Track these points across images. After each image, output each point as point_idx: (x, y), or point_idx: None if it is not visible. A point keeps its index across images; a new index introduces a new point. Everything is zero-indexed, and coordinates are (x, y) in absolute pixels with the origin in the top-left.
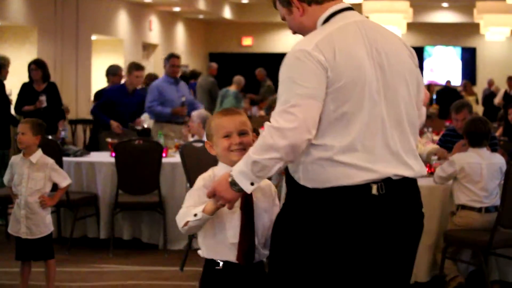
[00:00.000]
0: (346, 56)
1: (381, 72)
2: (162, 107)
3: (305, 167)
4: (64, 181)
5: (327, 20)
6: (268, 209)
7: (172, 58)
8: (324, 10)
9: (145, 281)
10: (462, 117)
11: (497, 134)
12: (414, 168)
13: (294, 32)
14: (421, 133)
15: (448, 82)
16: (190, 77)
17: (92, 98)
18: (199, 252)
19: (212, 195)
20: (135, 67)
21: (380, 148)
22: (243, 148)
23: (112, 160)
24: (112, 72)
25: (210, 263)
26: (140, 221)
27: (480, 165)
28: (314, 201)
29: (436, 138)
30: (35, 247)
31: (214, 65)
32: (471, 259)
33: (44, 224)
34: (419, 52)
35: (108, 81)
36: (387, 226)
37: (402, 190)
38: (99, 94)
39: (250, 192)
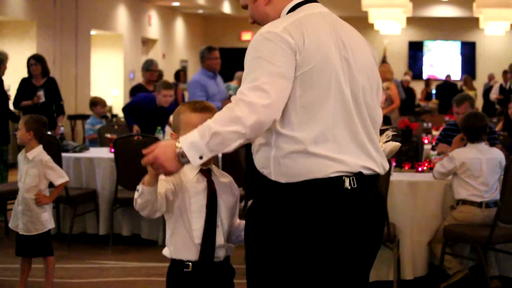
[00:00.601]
0: (314, 42)
1: (347, 64)
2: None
3: (276, 162)
4: (59, 179)
5: (292, 10)
6: (232, 206)
7: (213, 51)
8: (288, 2)
9: (144, 277)
10: (463, 110)
11: (497, 128)
12: (377, 161)
13: (253, 22)
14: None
15: (448, 76)
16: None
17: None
18: (165, 252)
19: (151, 163)
20: (163, 85)
21: (348, 139)
22: None
23: (111, 156)
24: (146, 67)
25: (178, 264)
26: (139, 217)
27: (479, 160)
28: (287, 196)
29: (436, 133)
30: (32, 244)
31: None
32: (471, 254)
33: (40, 221)
34: (419, 46)
35: (143, 76)
36: (357, 221)
37: (371, 184)
38: (135, 89)
39: (197, 165)
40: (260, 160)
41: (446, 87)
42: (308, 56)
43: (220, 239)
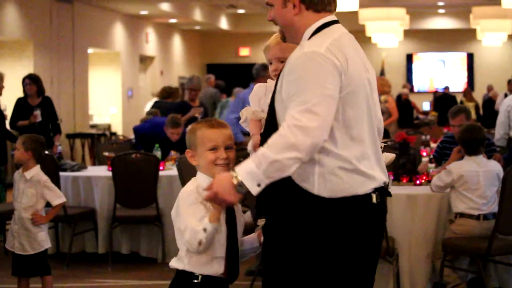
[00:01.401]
0: (354, 64)
1: (369, 85)
2: None
3: (321, 177)
4: (56, 199)
5: (319, 29)
6: (241, 221)
7: (268, 70)
8: (318, 19)
9: None
10: (458, 122)
11: None
12: (386, 174)
13: (271, 20)
14: None
15: (447, 88)
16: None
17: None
18: (173, 264)
19: (212, 199)
20: (170, 124)
21: (373, 155)
22: (228, 163)
23: (109, 174)
24: (187, 85)
25: (186, 276)
26: (138, 235)
27: (477, 172)
28: (329, 210)
29: (434, 145)
30: (29, 263)
31: (212, 76)
32: (470, 266)
33: (36, 241)
34: (416, 59)
35: (187, 93)
36: (378, 232)
37: (384, 197)
38: (181, 106)
39: (256, 194)
40: (301, 174)
41: (445, 99)
42: (351, 78)
43: None
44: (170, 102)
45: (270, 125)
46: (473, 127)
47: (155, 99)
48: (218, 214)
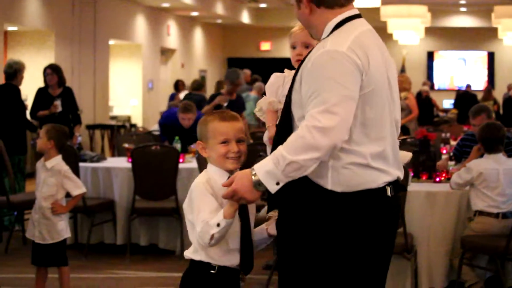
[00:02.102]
0: (375, 64)
1: (389, 83)
2: None
3: (335, 172)
4: (76, 189)
5: (339, 25)
6: (253, 213)
7: None
8: (334, 15)
9: (162, 287)
10: (479, 121)
11: None
12: (402, 170)
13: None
14: None
15: (468, 86)
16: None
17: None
18: (189, 255)
19: (231, 196)
20: (181, 109)
21: (392, 152)
22: (239, 156)
23: (129, 165)
24: (232, 79)
25: (203, 266)
26: (157, 227)
27: (497, 170)
28: (343, 205)
29: (454, 143)
30: (48, 253)
31: (248, 71)
32: (488, 265)
33: (55, 230)
34: (437, 56)
35: (226, 85)
36: (392, 225)
37: (399, 191)
38: (213, 97)
39: (274, 193)
40: (315, 170)
41: (466, 97)
42: (371, 77)
43: None
44: (201, 94)
45: (285, 116)
46: (493, 125)
47: (186, 91)
48: (234, 210)
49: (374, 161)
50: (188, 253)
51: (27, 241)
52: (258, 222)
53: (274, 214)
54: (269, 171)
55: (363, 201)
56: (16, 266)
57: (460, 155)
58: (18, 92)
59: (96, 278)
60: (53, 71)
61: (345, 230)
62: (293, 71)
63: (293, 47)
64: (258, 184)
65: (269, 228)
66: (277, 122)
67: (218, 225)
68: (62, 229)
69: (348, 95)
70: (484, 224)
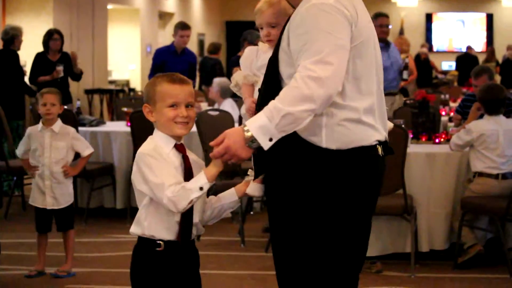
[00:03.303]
0: (363, 14)
1: (374, 41)
2: None
3: (329, 129)
4: (86, 150)
5: None
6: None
7: (380, 17)
8: None
9: None
10: (481, 82)
11: None
12: (387, 130)
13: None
14: None
15: (469, 47)
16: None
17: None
18: (132, 230)
19: (222, 154)
20: (179, 26)
21: (379, 109)
22: (187, 122)
23: (128, 129)
24: (250, 39)
25: (147, 243)
26: None
27: (497, 131)
28: (338, 162)
29: (454, 104)
30: (61, 217)
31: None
32: (489, 226)
33: (69, 193)
34: (435, 18)
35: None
36: (379, 186)
37: (388, 153)
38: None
39: (267, 149)
40: (308, 128)
41: (467, 59)
42: (360, 29)
43: (195, 217)
44: (217, 58)
45: (271, 77)
46: (494, 87)
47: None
48: (217, 172)
49: (366, 116)
50: (132, 228)
51: (27, 206)
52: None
53: (251, 175)
54: (263, 125)
55: (356, 158)
56: (16, 231)
57: (462, 116)
58: (16, 57)
59: (96, 243)
60: (60, 37)
61: (338, 187)
62: (267, 44)
63: (261, 28)
64: (251, 141)
65: (249, 189)
66: (259, 88)
67: (201, 188)
68: (72, 191)
69: (341, 44)
70: (484, 185)
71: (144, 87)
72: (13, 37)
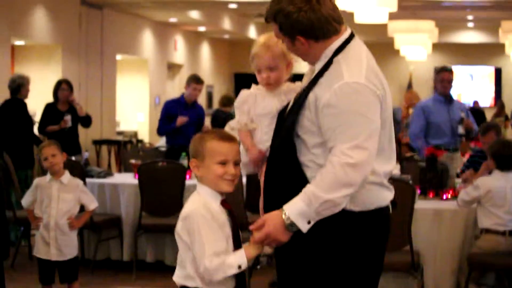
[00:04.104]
0: (387, 88)
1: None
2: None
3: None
4: (92, 203)
5: (339, 49)
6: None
7: (442, 72)
8: (332, 42)
9: None
10: (489, 139)
11: None
12: None
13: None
14: None
15: (476, 102)
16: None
17: (139, 118)
18: (181, 281)
19: (263, 240)
20: (194, 79)
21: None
22: (233, 179)
23: (136, 181)
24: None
25: None
26: (163, 244)
27: (505, 188)
28: (359, 223)
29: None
30: (63, 269)
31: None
32: (496, 283)
33: (74, 245)
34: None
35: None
36: (386, 242)
37: (394, 208)
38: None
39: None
40: None
41: (474, 114)
42: (386, 104)
43: None
44: (230, 112)
45: (285, 140)
46: (506, 142)
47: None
48: (257, 253)
49: (386, 179)
50: (179, 279)
51: (33, 257)
52: None
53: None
54: (302, 212)
55: (375, 219)
56: (22, 281)
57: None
58: (24, 106)
59: None
60: (69, 87)
61: (356, 247)
62: (262, 87)
63: (258, 70)
64: (290, 225)
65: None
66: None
67: (240, 267)
68: (77, 244)
69: (375, 127)
70: (491, 242)
71: (191, 142)
72: (20, 86)
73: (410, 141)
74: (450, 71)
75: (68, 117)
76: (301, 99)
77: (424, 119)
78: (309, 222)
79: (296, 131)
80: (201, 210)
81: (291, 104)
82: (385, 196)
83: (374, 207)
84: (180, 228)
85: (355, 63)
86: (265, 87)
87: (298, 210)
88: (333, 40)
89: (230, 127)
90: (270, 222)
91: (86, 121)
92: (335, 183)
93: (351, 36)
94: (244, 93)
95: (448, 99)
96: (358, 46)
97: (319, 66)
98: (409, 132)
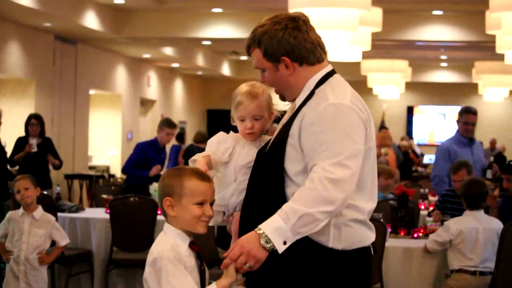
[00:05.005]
0: (371, 117)
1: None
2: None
3: (337, 228)
4: (63, 240)
5: (322, 81)
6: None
7: (466, 114)
8: (314, 72)
9: None
10: (460, 178)
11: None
12: None
13: (264, 82)
14: None
15: None
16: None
17: (111, 153)
18: None
19: (237, 256)
20: (167, 124)
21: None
22: (208, 221)
23: (107, 216)
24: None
25: None
26: (134, 278)
27: (476, 230)
28: (341, 262)
29: (433, 198)
30: None
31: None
32: None
33: (43, 279)
34: (417, 111)
35: None
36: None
37: (375, 251)
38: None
39: (281, 252)
40: None
41: None
42: (371, 133)
43: None
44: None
45: (272, 175)
46: (476, 181)
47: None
48: (229, 284)
49: (368, 217)
50: None
51: None
52: None
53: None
54: (278, 227)
55: (358, 258)
56: None
57: (441, 211)
58: None
59: None
60: (38, 122)
61: (339, 286)
62: (241, 137)
63: (241, 120)
64: (266, 242)
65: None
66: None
67: None
68: (46, 278)
69: (358, 149)
70: (462, 281)
71: (165, 179)
72: None
73: (433, 184)
74: (474, 113)
75: (33, 141)
76: (283, 131)
77: (449, 162)
78: (284, 243)
79: (281, 162)
80: (170, 253)
81: (272, 139)
82: (368, 236)
83: (357, 247)
84: (148, 273)
85: (340, 89)
86: (247, 136)
87: (274, 225)
88: (316, 69)
89: (192, 160)
90: (244, 239)
91: (58, 167)
92: (314, 197)
93: (333, 71)
94: (224, 134)
95: (470, 141)
96: (341, 79)
97: (301, 98)
98: (432, 175)
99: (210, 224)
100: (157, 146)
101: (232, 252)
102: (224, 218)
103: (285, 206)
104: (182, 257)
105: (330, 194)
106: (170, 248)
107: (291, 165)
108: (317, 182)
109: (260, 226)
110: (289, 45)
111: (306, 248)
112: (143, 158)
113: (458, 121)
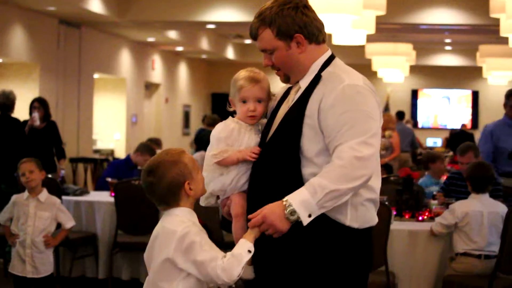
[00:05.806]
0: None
1: None
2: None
3: (353, 208)
4: (68, 222)
5: (327, 62)
6: None
7: None
8: (320, 53)
9: None
10: (467, 160)
11: None
12: None
13: (267, 66)
14: None
15: (464, 125)
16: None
17: (116, 137)
18: None
19: (259, 223)
20: (147, 151)
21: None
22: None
23: (112, 199)
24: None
25: None
26: (139, 262)
27: (481, 213)
28: (357, 240)
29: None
30: (38, 286)
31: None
32: None
33: (49, 262)
34: (421, 95)
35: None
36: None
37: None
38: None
39: (305, 224)
40: (335, 206)
41: (462, 136)
42: (380, 113)
43: None
44: None
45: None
46: (482, 164)
47: (201, 126)
48: (256, 237)
49: (378, 195)
50: None
51: (9, 274)
52: None
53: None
54: (304, 200)
55: (367, 238)
56: None
57: (447, 194)
58: (19, 124)
59: None
60: (41, 105)
61: (351, 263)
62: (239, 121)
63: (243, 101)
64: (290, 214)
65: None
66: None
67: (249, 251)
68: (52, 261)
69: (378, 127)
70: (466, 264)
71: (177, 163)
72: (14, 102)
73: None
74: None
75: (35, 115)
76: (296, 112)
77: (492, 144)
78: (309, 216)
79: (298, 141)
80: (194, 227)
81: (279, 121)
82: (375, 216)
83: (367, 226)
84: (173, 250)
85: (350, 71)
86: (247, 119)
87: (301, 199)
88: (321, 51)
89: (215, 156)
90: (269, 208)
91: (62, 151)
92: (343, 175)
93: (333, 55)
94: (225, 126)
95: None
96: (343, 63)
97: (306, 81)
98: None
99: (203, 204)
100: (131, 165)
101: (255, 219)
102: (218, 201)
103: (313, 181)
104: (202, 229)
105: (357, 172)
106: (192, 224)
107: (310, 145)
108: (346, 160)
109: (287, 197)
110: (303, 22)
111: (324, 225)
112: (114, 176)
113: (505, 105)
